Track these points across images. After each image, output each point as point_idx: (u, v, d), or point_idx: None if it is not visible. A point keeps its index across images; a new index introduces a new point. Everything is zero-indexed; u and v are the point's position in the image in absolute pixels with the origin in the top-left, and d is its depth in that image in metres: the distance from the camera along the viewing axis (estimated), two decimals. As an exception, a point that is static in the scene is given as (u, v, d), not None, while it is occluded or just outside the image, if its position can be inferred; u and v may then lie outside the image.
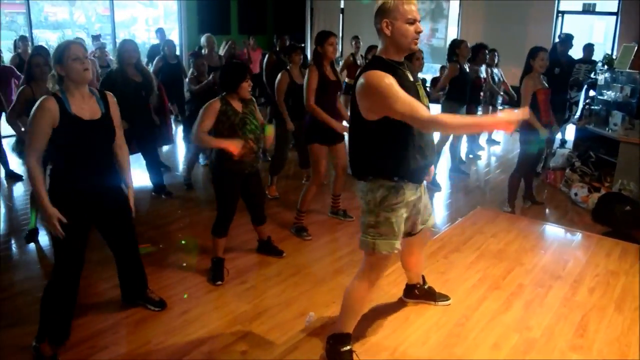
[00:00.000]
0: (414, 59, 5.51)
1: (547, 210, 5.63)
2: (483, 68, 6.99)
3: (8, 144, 6.88)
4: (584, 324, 3.25)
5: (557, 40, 8.00)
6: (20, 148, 4.38)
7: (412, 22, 2.45)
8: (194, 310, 3.48)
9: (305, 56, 7.71)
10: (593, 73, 8.12)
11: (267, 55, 9.00)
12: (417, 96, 2.52)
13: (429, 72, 10.73)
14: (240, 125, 3.68)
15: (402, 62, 2.57)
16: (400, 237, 2.66)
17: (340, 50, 11.68)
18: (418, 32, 2.48)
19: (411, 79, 2.58)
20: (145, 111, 5.24)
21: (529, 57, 5.10)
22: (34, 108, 2.72)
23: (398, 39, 2.47)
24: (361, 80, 2.48)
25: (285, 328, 3.27)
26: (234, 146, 3.60)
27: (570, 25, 9.80)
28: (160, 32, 9.07)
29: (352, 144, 2.68)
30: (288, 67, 5.48)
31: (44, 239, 4.57)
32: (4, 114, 6.52)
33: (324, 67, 4.50)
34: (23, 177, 6.19)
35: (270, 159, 6.22)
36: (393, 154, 2.54)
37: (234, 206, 3.86)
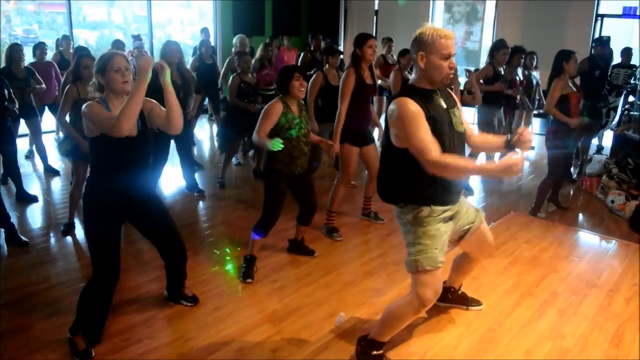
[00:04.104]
0: None
1: (582, 218, 5.52)
2: (519, 71, 6.89)
3: (54, 142, 7.09)
4: (619, 334, 3.19)
5: (593, 42, 7.86)
6: (66, 148, 4.46)
7: (447, 57, 2.45)
8: (225, 307, 3.52)
9: (342, 59, 7.69)
10: (632, 78, 7.94)
11: (302, 55, 9.03)
12: (449, 123, 2.54)
13: (462, 75, 10.60)
14: (296, 128, 3.72)
15: (435, 90, 2.57)
16: (442, 251, 2.62)
17: (375, 51, 11.62)
18: (451, 68, 2.47)
19: (444, 106, 2.57)
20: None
21: (561, 59, 4.99)
22: (85, 110, 2.78)
23: (431, 72, 2.48)
24: (391, 106, 2.51)
25: (316, 328, 3.29)
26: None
27: (610, 28, 9.57)
28: (205, 31, 9.09)
29: (382, 168, 2.69)
30: (324, 69, 5.49)
31: (80, 232, 4.68)
32: (46, 110, 6.75)
33: (362, 70, 4.47)
34: (60, 173, 6.36)
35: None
36: (421, 182, 2.52)
37: (279, 208, 3.87)
